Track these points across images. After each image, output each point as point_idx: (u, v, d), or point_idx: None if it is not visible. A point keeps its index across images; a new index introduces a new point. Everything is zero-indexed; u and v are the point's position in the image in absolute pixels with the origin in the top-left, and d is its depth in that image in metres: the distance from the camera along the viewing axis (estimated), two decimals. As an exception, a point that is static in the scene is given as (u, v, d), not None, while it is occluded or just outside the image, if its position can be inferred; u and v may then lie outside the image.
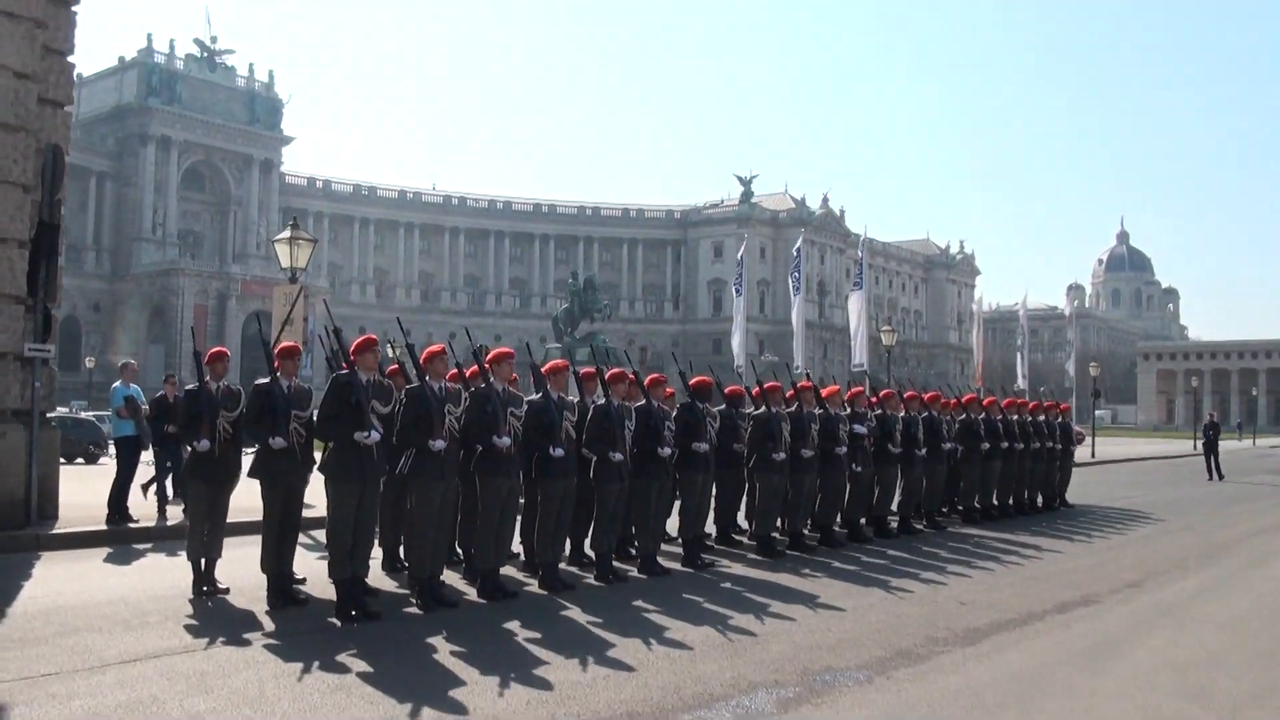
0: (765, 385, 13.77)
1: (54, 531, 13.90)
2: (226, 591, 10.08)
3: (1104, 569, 12.97)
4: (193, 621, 8.98)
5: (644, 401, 11.77)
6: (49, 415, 15.61)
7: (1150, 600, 11.11)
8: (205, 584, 10.05)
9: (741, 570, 12.44)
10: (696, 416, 12.46)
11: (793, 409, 13.91)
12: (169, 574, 11.38)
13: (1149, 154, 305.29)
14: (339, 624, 8.92)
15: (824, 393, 14.84)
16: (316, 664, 7.49)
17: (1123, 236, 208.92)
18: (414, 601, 9.65)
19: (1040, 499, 20.73)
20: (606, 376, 11.52)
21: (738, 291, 49.29)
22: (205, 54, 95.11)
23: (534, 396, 10.71)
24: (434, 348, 9.82)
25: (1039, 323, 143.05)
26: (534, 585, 10.81)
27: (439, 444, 9.32)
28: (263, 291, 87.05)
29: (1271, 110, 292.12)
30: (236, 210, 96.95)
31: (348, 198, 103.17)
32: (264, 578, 9.81)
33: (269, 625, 8.84)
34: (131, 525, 14.64)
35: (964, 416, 18.10)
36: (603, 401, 11.31)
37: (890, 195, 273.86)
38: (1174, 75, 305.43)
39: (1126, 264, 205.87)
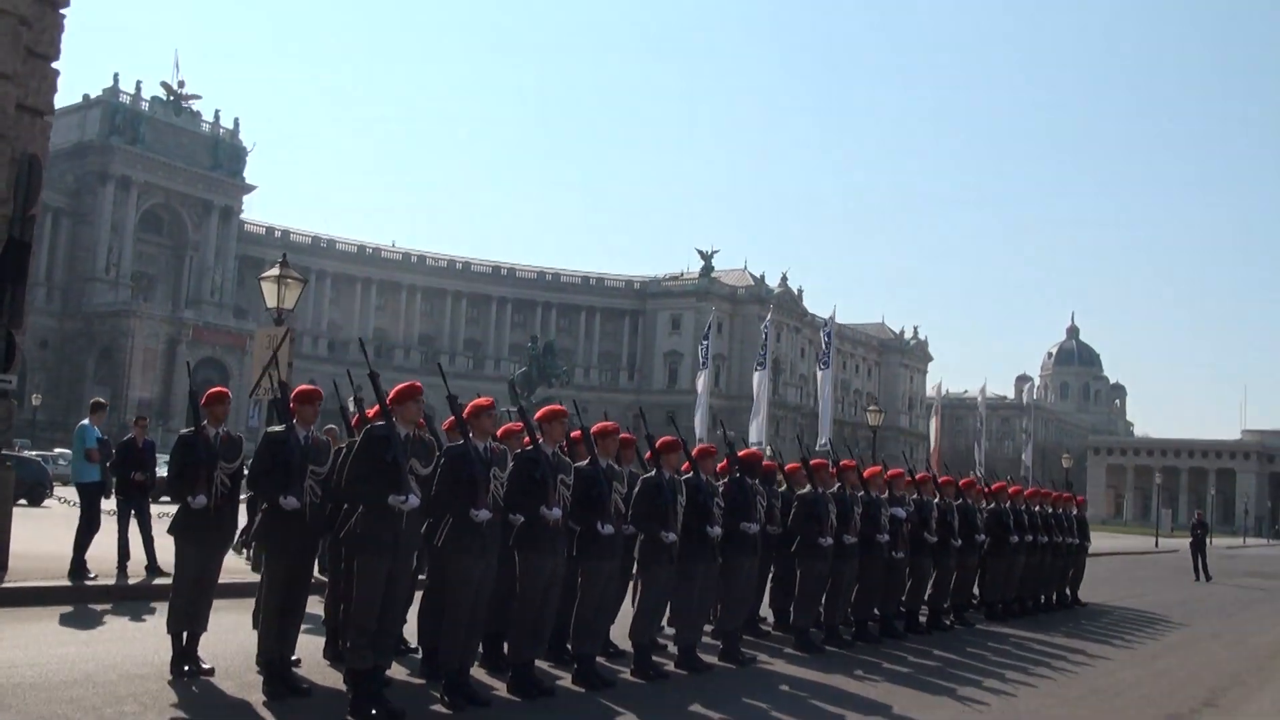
0: (811, 462, 12.49)
1: (5, 585, 12.28)
2: (211, 672, 8.56)
3: (1165, 682, 12.13)
4: (180, 714, 7.43)
5: (693, 475, 10.40)
6: (5, 454, 13.97)
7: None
8: (186, 662, 8.52)
9: (786, 668, 11.11)
10: (746, 494, 11.11)
11: (834, 490, 12.58)
12: (139, 645, 9.86)
13: (1101, 251, 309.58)
14: (356, 723, 7.42)
15: (865, 473, 13.53)
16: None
17: (1072, 331, 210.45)
18: (440, 698, 8.15)
19: (1055, 596, 19.53)
20: (659, 444, 10.17)
21: (702, 364, 48.47)
22: (171, 97, 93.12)
23: (581, 464, 9.30)
24: (481, 401, 8.43)
25: (988, 411, 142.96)
26: (566, 680, 9.36)
27: (483, 514, 7.92)
28: (214, 339, 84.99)
29: (1223, 215, 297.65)
30: (193, 255, 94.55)
31: (306, 249, 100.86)
32: (248, 649, 8.56)
33: (274, 725, 7.30)
34: (89, 583, 12.99)
35: (993, 505, 16.89)
36: (653, 473, 9.93)
37: (846, 278, 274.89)
38: (1129, 175, 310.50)
39: (1075, 358, 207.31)
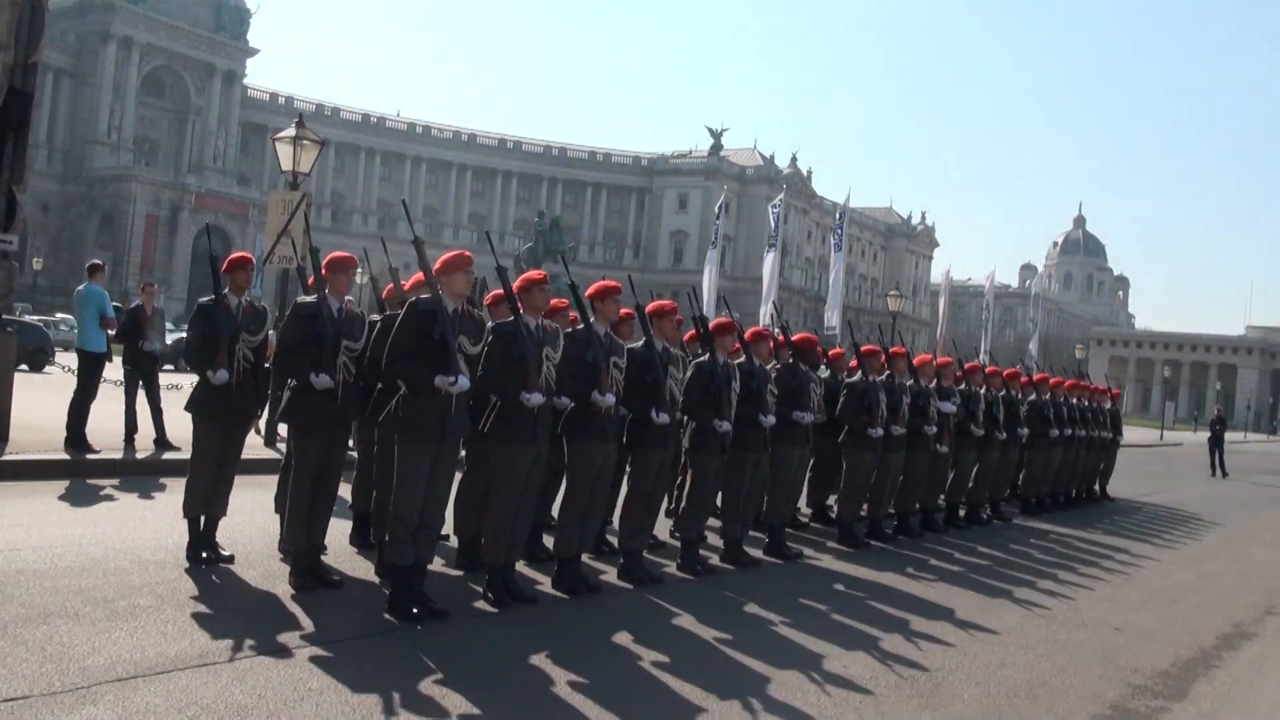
0: (863, 349, 11.74)
1: (5, 458, 11.59)
2: (231, 560, 7.91)
3: (1218, 587, 11.68)
4: (201, 608, 6.73)
5: (745, 359, 9.65)
6: (6, 319, 13.18)
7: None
8: (205, 548, 7.86)
9: (836, 565, 10.54)
10: (800, 382, 10.37)
11: (883, 378, 11.84)
12: (150, 527, 9.19)
13: (1110, 142, 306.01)
14: (397, 623, 6.76)
15: (915, 362, 12.80)
16: (398, 696, 5.33)
17: (1079, 221, 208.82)
18: (483, 594, 7.50)
19: (1085, 491, 19.10)
20: (712, 326, 9.41)
21: (712, 244, 47.61)
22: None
23: (635, 345, 8.51)
24: (534, 274, 7.63)
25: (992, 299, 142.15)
26: (612, 575, 8.72)
27: (535, 398, 7.18)
28: (217, 206, 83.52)
29: (1234, 111, 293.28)
30: (195, 120, 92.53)
31: (309, 117, 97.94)
32: (269, 534, 8.17)
33: (306, 622, 6.59)
34: (91, 457, 12.29)
35: (1033, 398, 16.21)
36: (706, 358, 9.18)
37: (856, 161, 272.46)
38: (1141, 70, 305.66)
39: (1081, 248, 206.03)
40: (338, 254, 7.67)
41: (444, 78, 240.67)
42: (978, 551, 12.19)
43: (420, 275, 7.55)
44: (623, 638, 6.98)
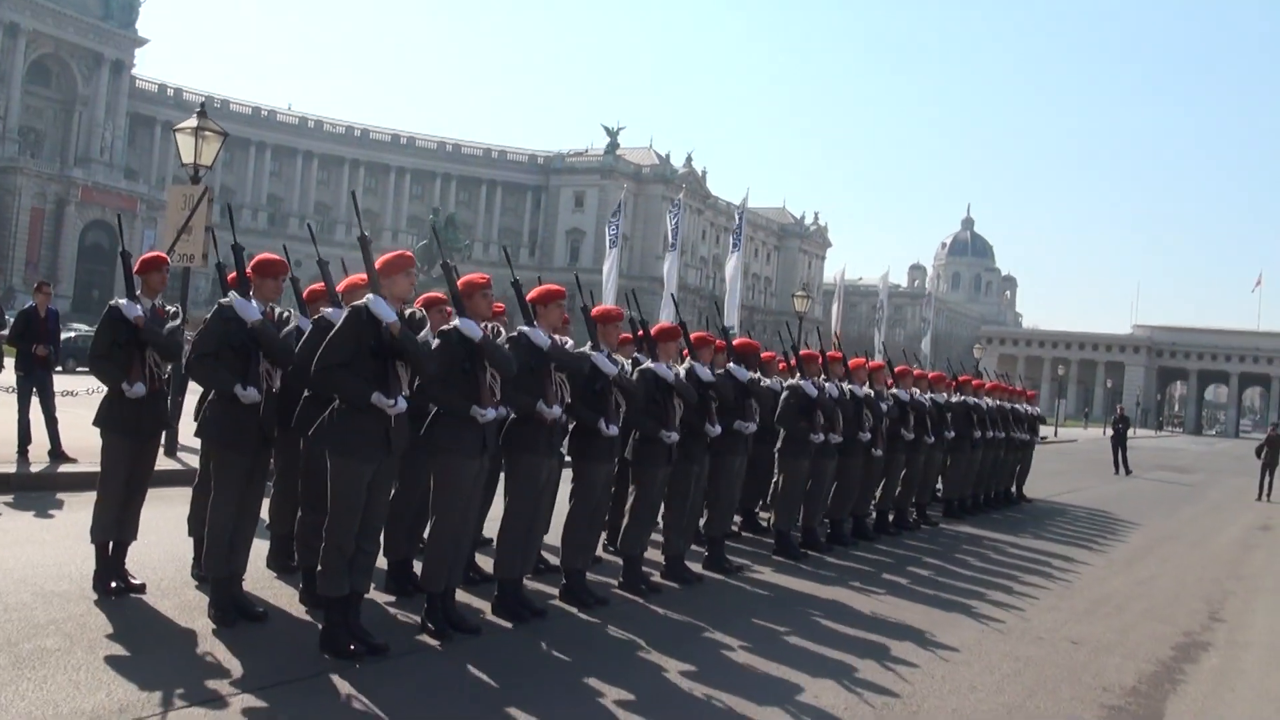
0: (801, 353, 11.35)
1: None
2: (142, 589, 7.21)
3: (1157, 593, 11.56)
4: (117, 649, 6.02)
5: (686, 365, 9.16)
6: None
7: (1257, 637, 9.83)
8: (114, 576, 7.15)
9: (779, 579, 10.11)
10: (742, 389, 9.91)
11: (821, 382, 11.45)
12: (51, 551, 8.43)
13: (997, 145, 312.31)
14: (332, 660, 6.13)
15: (850, 365, 12.45)
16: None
17: (967, 223, 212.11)
18: (422, 624, 6.90)
19: (1005, 492, 19.04)
20: (655, 331, 8.90)
21: (611, 243, 47.14)
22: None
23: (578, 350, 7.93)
24: (475, 277, 7.05)
25: (876, 298, 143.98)
26: (553, 596, 8.18)
27: (489, 414, 6.62)
28: (104, 200, 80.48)
29: (1116, 116, 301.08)
30: (82, 111, 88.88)
31: (198, 109, 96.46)
32: (179, 557, 7.64)
33: (234, 664, 5.91)
34: (-21, 470, 11.40)
35: (958, 400, 15.99)
36: (649, 363, 8.67)
37: (749, 161, 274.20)
38: (1028, 74, 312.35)
39: (969, 249, 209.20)
40: (267, 256, 7.03)
41: (337, 72, 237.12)
42: (916, 560, 11.93)
43: (355, 278, 6.94)
44: (578, 671, 6.46)
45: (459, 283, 6.81)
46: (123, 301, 7.06)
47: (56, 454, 12.36)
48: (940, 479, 16.19)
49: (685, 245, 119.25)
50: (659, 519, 9.46)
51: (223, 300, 6.76)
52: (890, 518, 13.86)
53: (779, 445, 11.19)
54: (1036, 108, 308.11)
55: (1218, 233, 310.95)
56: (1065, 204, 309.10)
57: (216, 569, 6.65)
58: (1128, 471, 31.45)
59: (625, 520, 8.84)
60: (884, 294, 74.37)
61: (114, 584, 7.08)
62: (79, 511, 7.30)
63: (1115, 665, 7.90)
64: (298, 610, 7.18)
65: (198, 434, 6.98)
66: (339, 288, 7.21)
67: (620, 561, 9.03)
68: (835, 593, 9.63)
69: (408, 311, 6.36)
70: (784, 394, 11.02)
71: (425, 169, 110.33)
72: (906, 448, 13.63)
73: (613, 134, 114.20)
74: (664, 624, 7.90)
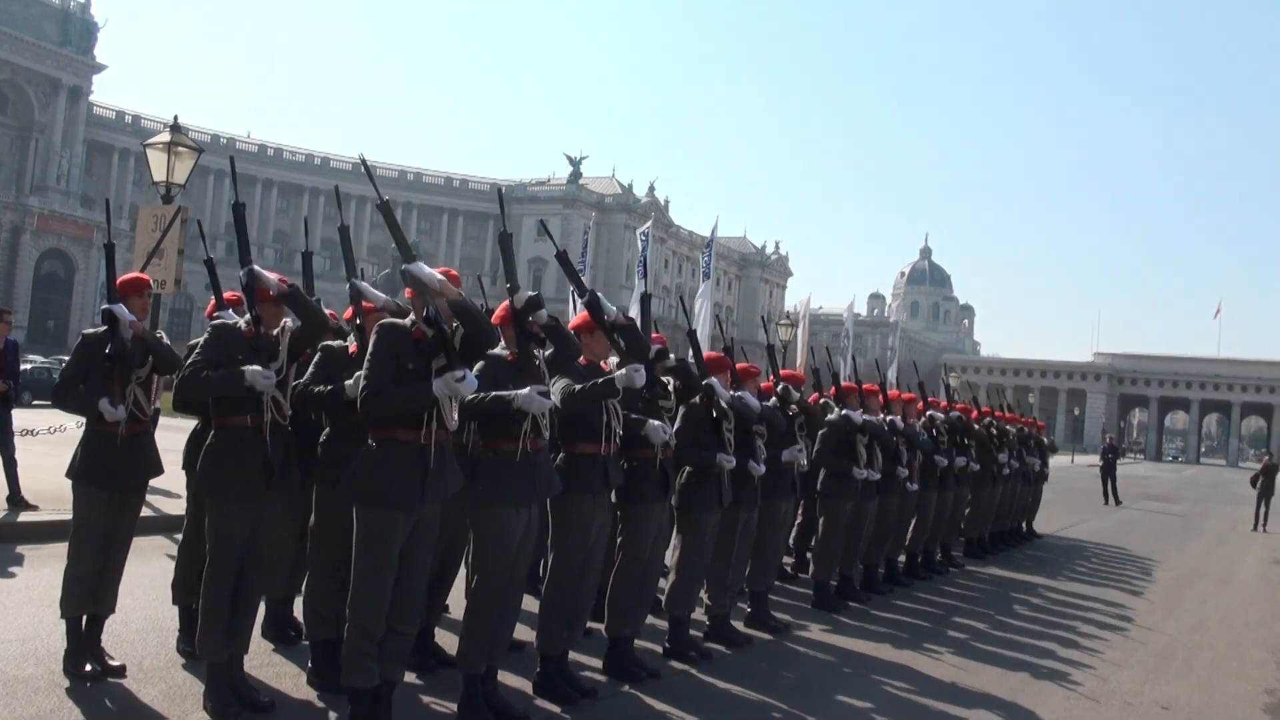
0: (843, 384, 10.38)
1: None
2: (122, 672, 6.05)
3: (1210, 637, 10.99)
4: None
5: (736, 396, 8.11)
6: None
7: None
8: (88, 657, 6.00)
9: (828, 638, 9.08)
10: (790, 421, 8.90)
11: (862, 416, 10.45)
12: (11, 621, 7.22)
13: (955, 175, 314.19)
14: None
15: (880, 396, 11.45)
16: None
17: (925, 251, 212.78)
18: (461, 716, 5.79)
19: (1019, 528, 18.12)
20: (705, 359, 7.91)
21: (580, 271, 46.20)
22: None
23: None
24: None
25: (838, 327, 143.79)
26: (595, 666, 7.11)
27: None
28: (60, 228, 78.69)
29: (1076, 140, 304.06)
30: (39, 138, 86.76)
31: (157, 135, 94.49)
32: (162, 626, 6.58)
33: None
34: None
35: (976, 428, 15.05)
36: (699, 399, 7.66)
37: (711, 190, 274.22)
38: (985, 101, 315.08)
39: (927, 278, 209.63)
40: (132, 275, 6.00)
41: (297, 99, 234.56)
42: (958, 609, 11.01)
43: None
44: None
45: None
46: (116, 306, 5.95)
47: (16, 500, 11.09)
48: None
49: (649, 274, 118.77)
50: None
51: (217, 317, 5.73)
52: (919, 559, 12.89)
53: (819, 486, 10.18)
54: (994, 137, 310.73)
55: (1178, 261, 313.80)
56: (1024, 233, 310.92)
57: (213, 652, 5.51)
58: (1117, 502, 30.71)
59: (672, 576, 7.77)
60: (849, 323, 73.46)
61: (89, 666, 5.93)
62: (42, 568, 6.21)
63: None
64: (307, 694, 6.07)
65: (197, 485, 5.86)
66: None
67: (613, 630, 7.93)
68: (899, 655, 8.62)
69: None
70: (825, 428, 10.02)
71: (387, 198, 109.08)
72: (937, 484, 12.70)
73: (575, 163, 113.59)
74: (729, 702, 6.84)
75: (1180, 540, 21.80)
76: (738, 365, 8.37)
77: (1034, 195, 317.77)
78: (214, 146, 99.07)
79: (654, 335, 7.07)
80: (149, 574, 8.36)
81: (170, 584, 6.74)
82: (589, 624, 7.38)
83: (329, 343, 6.29)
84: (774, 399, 9.03)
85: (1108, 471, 31.98)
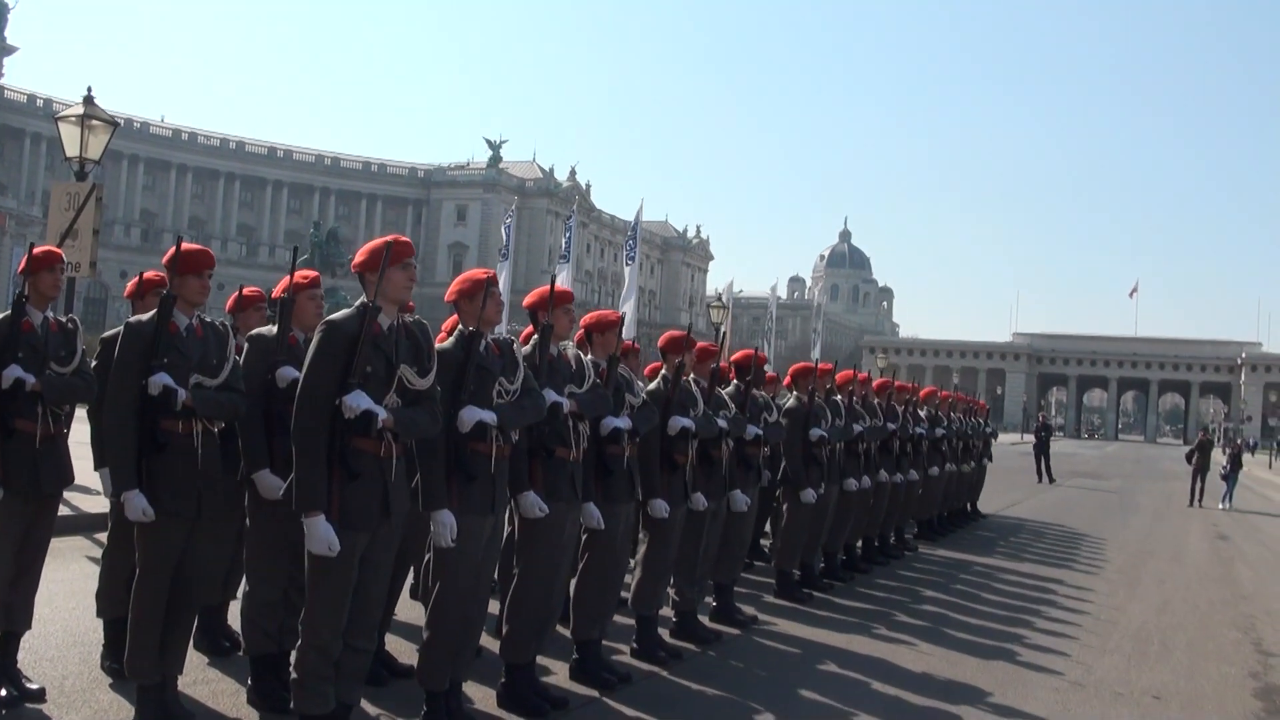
0: (797, 366, 9.95)
1: None
2: (41, 696, 5.40)
3: (1178, 618, 10.78)
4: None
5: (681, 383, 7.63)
6: None
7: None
8: (2, 681, 5.32)
9: (796, 630, 8.66)
10: (756, 409, 8.44)
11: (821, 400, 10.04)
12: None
13: (873, 158, 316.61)
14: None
15: (838, 379, 11.05)
16: None
17: (845, 235, 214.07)
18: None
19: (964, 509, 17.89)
20: (663, 342, 7.49)
21: (503, 257, 45.58)
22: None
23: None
24: (477, 273, 5.44)
25: (759, 310, 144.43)
26: (561, 674, 6.58)
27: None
28: (-37, 216, 76.34)
29: (989, 125, 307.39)
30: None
31: (70, 109, 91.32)
32: (84, 639, 5.98)
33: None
34: None
35: (925, 412, 14.75)
36: (656, 384, 7.19)
37: (632, 175, 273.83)
38: (902, 84, 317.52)
39: (847, 261, 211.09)
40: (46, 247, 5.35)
41: (211, 83, 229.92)
42: (920, 595, 10.69)
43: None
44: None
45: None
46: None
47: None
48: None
49: (570, 258, 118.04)
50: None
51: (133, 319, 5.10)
52: (875, 544, 12.52)
53: (780, 474, 9.73)
54: (912, 120, 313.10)
55: (1095, 241, 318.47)
56: (942, 215, 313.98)
57: (144, 673, 4.89)
58: (1051, 480, 30.76)
59: (638, 573, 7.27)
60: (773, 306, 73.65)
61: (3, 691, 5.27)
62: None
63: None
64: (247, 714, 5.46)
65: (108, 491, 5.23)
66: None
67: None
68: (874, 647, 8.23)
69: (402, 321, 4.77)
70: (786, 418, 9.56)
71: (303, 182, 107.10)
72: (894, 469, 12.35)
73: (495, 147, 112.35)
74: (705, 707, 6.36)
75: (1121, 517, 21.83)
76: (697, 345, 7.89)
77: (951, 177, 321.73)
78: (127, 131, 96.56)
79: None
80: (68, 580, 7.72)
81: (94, 594, 6.08)
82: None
83: (260, 331, 5.70)
84: (733, 382, 8.59)
85: (1041, 450, 32.00)
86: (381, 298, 4.65)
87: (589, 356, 6.27)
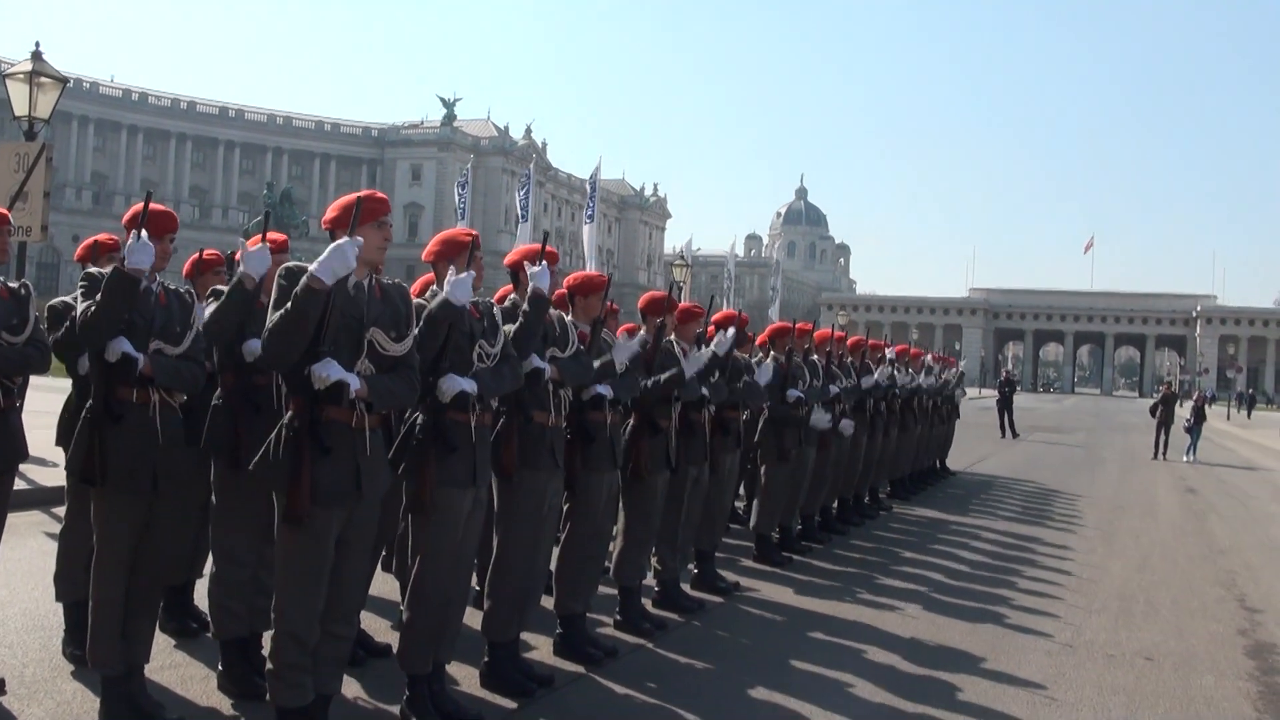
0: (774, 326, 9.73)
1: None
2: (0, 688, 5.13)
3: (1160, 575, 10.69)
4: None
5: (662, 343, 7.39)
6: None
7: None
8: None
9: (778, 594, 8.51)
10: (737, 370, 8.21)
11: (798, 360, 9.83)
12: None
13: (830, 114, 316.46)
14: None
15: (817, 337, 10.84)
16: None
17: (801, 192, 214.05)
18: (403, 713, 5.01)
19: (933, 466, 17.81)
20: (644, 303, 7.28)
21: (460, 217, 45.21)
22: None
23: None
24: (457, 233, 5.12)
25: (717, 268, 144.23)
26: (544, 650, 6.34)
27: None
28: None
29: (946, 83, 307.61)
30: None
31: (17, 65, 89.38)
32: (45, 621, 5.74)
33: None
34: None
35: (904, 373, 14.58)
36: (641, 336, 6.95)
37: (586, 133, 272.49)
38: (856, 42, 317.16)
39: (803, 218, 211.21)
40: (157, 208, 4.99)
41: (161, 41, 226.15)
42: (899, 556, 10.54)
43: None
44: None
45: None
46: None
47: None
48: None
49: (526, 217, 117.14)
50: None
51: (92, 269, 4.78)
52: (850, 504, 12.37)
53: (758, 437, 9.50)
54: (868, 75, 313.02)
55: (1051, 196, 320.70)
56: (897, 172, 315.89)
57: (107, 662, 4.60)
58: (1015, 435, 30.78)
59: (620, 542, 7.03)
60: (731, 264, 73.94)
61: (-43, 683, 4.98)
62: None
63: (1213, 689, 6.73)
64: (219, 701, 5.18)
65: (69, 468, 4.92)
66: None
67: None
68: (860, 613, 8.06)
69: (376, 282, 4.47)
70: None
71: (255, 143, 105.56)
72: (868, 427, 12.18)
73: (449, 105, 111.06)
74: (694, 680, 6.13)
75: (1088, 472, 21.85)
76: (681, 306, 7.64)
77: (907, 134, 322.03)
78: (76, 91, 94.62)
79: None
80: (25, 559, 7.42)
81: (53, 576, 5.77)
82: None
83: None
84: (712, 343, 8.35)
85: (1004, 405, 32.00)
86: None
87: (569, 319, 6.00)
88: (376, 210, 4.38)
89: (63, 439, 5.52)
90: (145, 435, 4.67)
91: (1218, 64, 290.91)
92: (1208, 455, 26.95)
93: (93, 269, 4.81)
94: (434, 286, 5.02)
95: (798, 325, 10.07)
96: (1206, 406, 28.66)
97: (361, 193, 4.45)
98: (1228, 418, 52.90)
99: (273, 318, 4.12)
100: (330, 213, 4.44)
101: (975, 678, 6.56)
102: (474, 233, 5.07)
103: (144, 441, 4.66)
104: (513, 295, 5.64)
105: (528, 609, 5.73)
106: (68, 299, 5.29)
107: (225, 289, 5.07)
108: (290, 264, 4.31)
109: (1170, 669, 7.12)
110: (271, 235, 5.14)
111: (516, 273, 5.67)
